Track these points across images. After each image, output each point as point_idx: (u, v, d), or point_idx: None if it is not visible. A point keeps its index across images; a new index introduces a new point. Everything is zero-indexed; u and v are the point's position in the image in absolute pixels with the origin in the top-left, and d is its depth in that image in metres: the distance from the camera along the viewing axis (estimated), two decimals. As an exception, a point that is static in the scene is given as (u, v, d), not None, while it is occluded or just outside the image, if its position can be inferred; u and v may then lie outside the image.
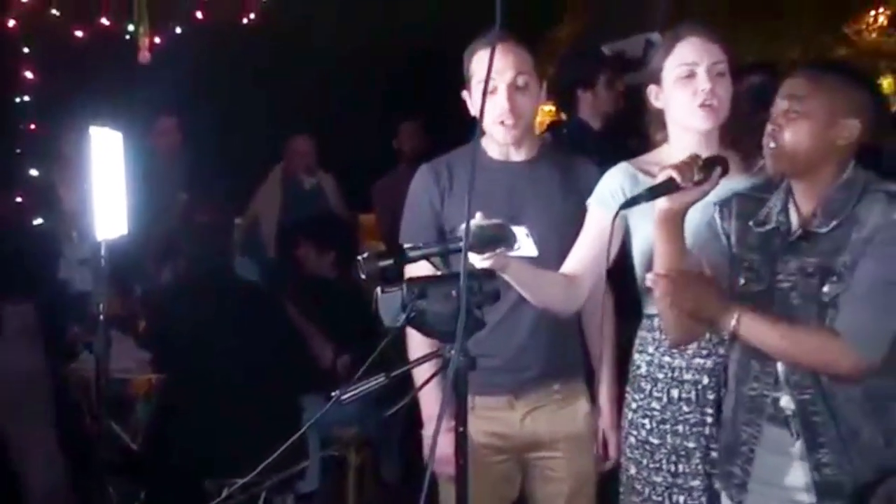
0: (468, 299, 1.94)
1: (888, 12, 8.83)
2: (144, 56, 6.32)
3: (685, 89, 2.48)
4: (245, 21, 7.06)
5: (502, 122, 2.64)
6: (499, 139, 2.69)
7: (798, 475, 2.22)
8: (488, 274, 2.09)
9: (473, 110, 2.71)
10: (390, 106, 7.09)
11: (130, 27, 6.41)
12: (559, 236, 2.63)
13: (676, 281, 2.16)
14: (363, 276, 2.07)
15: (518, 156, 2.74)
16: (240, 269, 4.36)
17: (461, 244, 1.94)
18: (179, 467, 3.62)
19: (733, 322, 2.13)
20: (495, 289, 2.01)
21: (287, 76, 7.54)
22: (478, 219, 2.19)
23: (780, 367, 2.21)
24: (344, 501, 4.38)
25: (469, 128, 2.53)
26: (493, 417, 2.72)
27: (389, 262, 2.05)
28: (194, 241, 3.94)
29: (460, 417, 2.02)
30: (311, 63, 7.55)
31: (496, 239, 2.17)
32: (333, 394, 1.98)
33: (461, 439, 2.02)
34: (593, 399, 2.82)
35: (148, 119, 5.97)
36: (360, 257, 2.06)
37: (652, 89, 2.56)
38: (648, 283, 2.19)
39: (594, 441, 2.80)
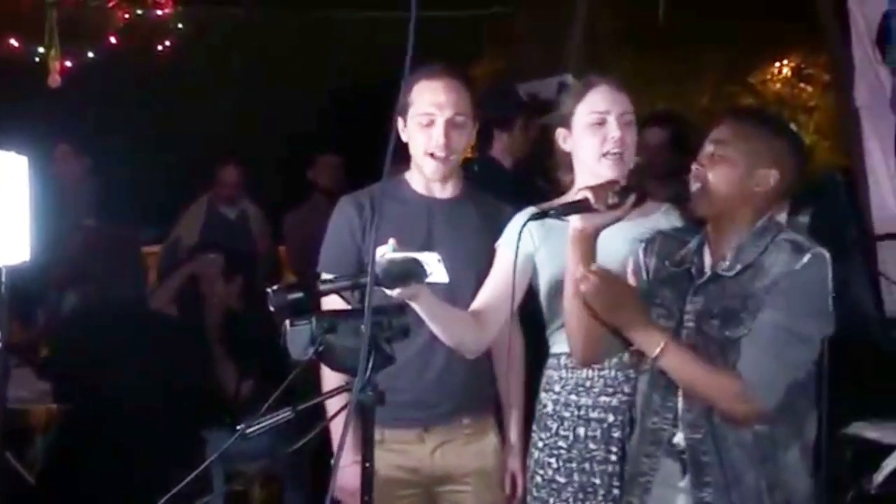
0: (377, 335, 1.94)
1: (791, 64, 9.14)
2: (55, 80, 6.20)
3: (595, 136, 2.53)
4: (160, 48, 6.97)
5: (433, 155, 2.65)
6: (427, 172, 2.70)
7: None
8: (398, 309, 2.08)
9: (405, 137, 2.69)
10: (305, 138, 7.06)
11: (41, 50, 6.28)
12: (475, 274, 2.65)
13: (605, 280, 2.18)
14: (272, 309, 2.05)
15: (442, 192, 2.75)
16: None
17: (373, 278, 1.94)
18: (79, 499, 3.52)
19: (658, 348, 2.15)
20: (405, 324, 2.01)
21: (202, 103, 7.47)
22: (390, 251, 2.20)
23: (679, 404, 2.24)
24: (247, 538, 4.31)
25: (392, 161, 2.55)
26: (403, 451, 2.72)
27: (298, 295, 2.04)
28: (98, 266, 3.85)
29: (367, 452, 2.00)
30: (227, 92, 7.49)
31: (406, 274, 2.17)
32: (239, 427, 1.94)
33: (367, 474, 1.99)
34: (502, 435, 2.83)
35: (55, 143, 5.86)
36: (269, 290, 2.05)
37: (561, 132, 2.60)
38: (577, 276, 2.19)
39: (501, 474, 2.80)
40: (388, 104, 2.49)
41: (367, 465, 2.01)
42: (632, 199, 2.24)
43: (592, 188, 2.21)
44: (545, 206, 2.57)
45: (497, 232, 2.68)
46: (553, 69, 5.99)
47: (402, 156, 2.72)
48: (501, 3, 7.54)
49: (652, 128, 3.66)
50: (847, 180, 3.82)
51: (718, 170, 2.21)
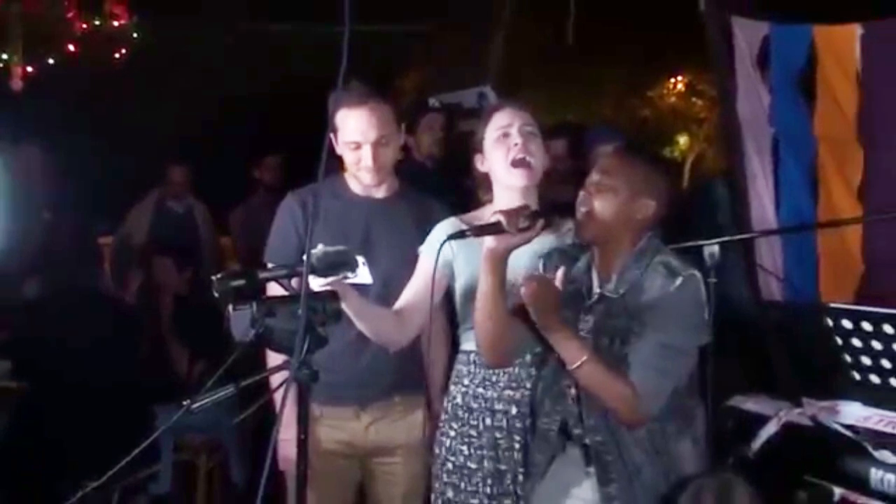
0: (312, 318, 1.93)
1: (685, 81, 9.30)
2: (17, 84, 6.05)
3: (501, 148, 2.53)
4: (116, 56, 6.83)
5: (366, 172, 2.65)
6: (363, 182, 2.69)
7: (587, 491, 2.26)
8: (332, 296, 2.07)
9: (339, 150, 2.67)
10: (254, 139, 6.99)
11: (4, 55, 6.12)
12: (409, 270, 2.63)
13: (545, 286, 2.16)
14: (216, 295, 2.02)
15: (378, 193, 2.74)
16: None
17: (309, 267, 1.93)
18: (35, 472, 3.44)
19: (581, 360, 2.13)
20: (337, 309, 2.01)
21: (155, 107, 7.34)
22: (321, 247, 2.18)
23: (579, 408, 2.24)
24: (194, 503, 4.25)
25: (330, 162, 2.53)
26: (340, 426, 2.71)
27: (241, 282, 2.01)
28: (57, 256, 3.78)
29: (302, 426, 1.98)
30: (178, 96, 7.37)
31: (339, 263, 2.16)
32: (185, 402, 1.91)
33: (302, 446, 1.97)
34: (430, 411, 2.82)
35: (19, 143, 5.70)
36: (214, 277, 2.02)
37: (478, 157, 2.60)
38: (521, 280, 2.17)
39: (429, 446, 2.80)
40: (323, 110, 2.48)
41: (303, 437, 1.97)
42: (541, 223, 2.24)
43: (505, 212, 2.20)
44: (465, 218, 2.59)
45: (429, 228, 2.66)
46: (475, 80, 6.00)
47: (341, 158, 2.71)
48: (429, 20, 7.53)
49: (554, 140, 3.67)
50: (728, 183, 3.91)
51: (603, 198, 2.21)
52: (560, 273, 2.25)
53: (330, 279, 2.18)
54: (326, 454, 2.67)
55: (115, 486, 3.39)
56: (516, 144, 2.51)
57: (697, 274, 2.17)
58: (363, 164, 2.63)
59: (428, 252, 2.58)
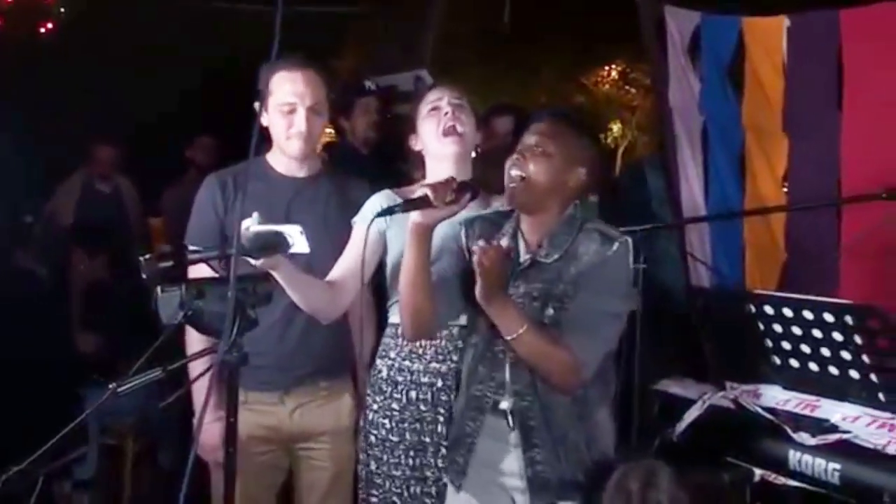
0: (242, 300, 1.90)
1: (618, 69, 9.40)
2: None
3: (432, 121, 2.56)
4: (42, 30, 6.64)
5: (296, 139, 2.62)
6: (290, 151, 2.66)
7: (513, 461, 2.27)
8: (262, 277, 2.05)
9: (265, 122, 2.63)
10: (186, 119, 6.88)
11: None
12: (333, 248, 2.61)
13: (501, 259, 2.14)
14: (144, 276, 1.98)
15: (301, 172, 2.71)
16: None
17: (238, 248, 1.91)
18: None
19: (520, 331, 2.14)
20: (267, 291, 1.98)
21: (86, 84, 7.16)
22: (255, 224, 2.15)
23: (506, 375, 2.25)
24: (120, 488, 4.18)
25: (260, 143, 2.50)
26: (264, 411, 2.68)
27: (169, 263, 1.98)
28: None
29: (231, 409, 1.96)
30: (107, 74, 7.21)
31: (270, 245, 2.14)
32: (111, 385, 1.88)
33: (231, 430, 1.95)
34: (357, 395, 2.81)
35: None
36: (141, 258, 1.98)
37: (412, 137, 2.62)
38: (477, 248, 2.16)
39: (355, 431, 2.79)
40: (256, 90, 2.46)
41: (232, 420, 1.96)
42: (468, 196, 2.23)
43: (432, 185, 2.19)
44: (400, 191, 2.57)
45: (352, 207, 2.66)
46: (410, 65, 5.97)
47: (267, 139, 2.68)
48: (363, 2, 7.47)
49: (500, 117, 3.68)
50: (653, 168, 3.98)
51: (538, 163, 2.22)
52: (505, 242, 2.24)
53: (260, 260, 2.16)
54: (251, 440, 2.63)
55: (39, 470, 3.30)
56: (446, 114, 2.54)
57: (630, 241, 2.20)
58: (295, 128, 2.61)
59: (361, 221, 2.58)
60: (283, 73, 2.60)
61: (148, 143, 6.77)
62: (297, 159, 2.68)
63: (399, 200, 2.48)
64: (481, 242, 2.15)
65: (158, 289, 1.93)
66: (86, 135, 6.01)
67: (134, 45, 7.36)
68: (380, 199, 2.59)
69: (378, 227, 2.47)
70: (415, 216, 2.20)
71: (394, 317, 2.60)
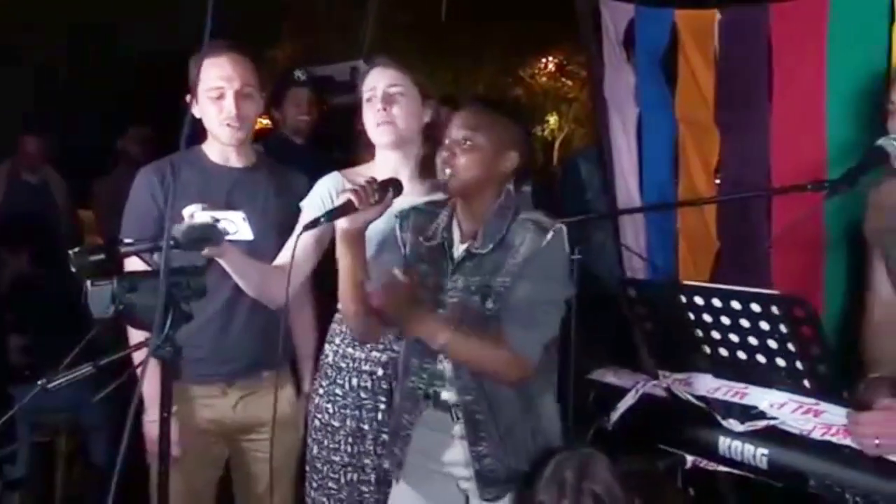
0: (176, 294, 1.88)
1: (556, 61, 9.46)
2: None
3: (368, 109, 2.57)
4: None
5: (229, 125, 2.60)
6: (224, 140, 2.64)
7: (456, 452, 2.29)
8: (196, 271, 2.03)
9: (198, 113, 2.63)
10: (118, 109, 6.75)
11: None
12: (273, 237, 2.62)
13: (390, 292, 2.14)
14: (74, 269, 1.95)
15: (237, 162, 2.70)
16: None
17: (170, 241, 1.89)
18: None
19: (443, 340, 2.16)
20: (202, 285, 1.96)
21: (12, 76, 6.99)
22: (199, 211, 2.15)
23: (446, 366, 2.27)
24: (52, 486, 4.11)
25: (194, 133, 2.48)
26: (208, 404, 2.67)
27: (100, 256, 1.95)
28: None
29: (165, 404, 1.94)
30: (39, 65, 7.04)
31: (204, 237, 2.12)
32: (40, 382, 1.85)
33: (164, 426, 1.93)
34: (298, 385, 2.83)
35: None
36: (70, 252, 1.95)
37: (359, 117, 2.61)
38: (368, 290, 2.16)
39: (298, 421, 2.79)
40: (187, 79, 2.43)
41: (165, 415, 1.94)
42: (391, 193, 2.23)
43: (354, 190, 2.16)
44: (348, 172, 2.58)
45: (290, 196, 2.66)
46: (348, 55, 5.95)
47: (202, 131, 2.66)
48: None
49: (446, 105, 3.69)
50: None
51: (469, 156, 2.22)
52: (397, 271, 2.22)
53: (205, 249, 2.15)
54: (196, 433, 2.63)
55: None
56: (378, 110, 2.54)
57: (564, 228, 2.22)
58: (225, 113, 2.59)
59: (308, 205, 2.59)
60: (210, 60, 2.58)
61: (77, 133, 6.65)
62: (232, 147, 2.66)
63: (346, 183, 2.50)
64: (370, 285, 2.14)
65: (88, 282, 1.89)
66: (12, 125, 5.89)
67: (64, 31, 7.21)
68: (328, 182, 2.60)
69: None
70: (342, 223, 2.19)
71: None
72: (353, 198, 2.15)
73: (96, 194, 5.99)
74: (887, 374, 2.36)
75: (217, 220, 2.25)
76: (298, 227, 2.56)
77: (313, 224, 2.19)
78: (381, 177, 2.26)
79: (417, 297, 2.21)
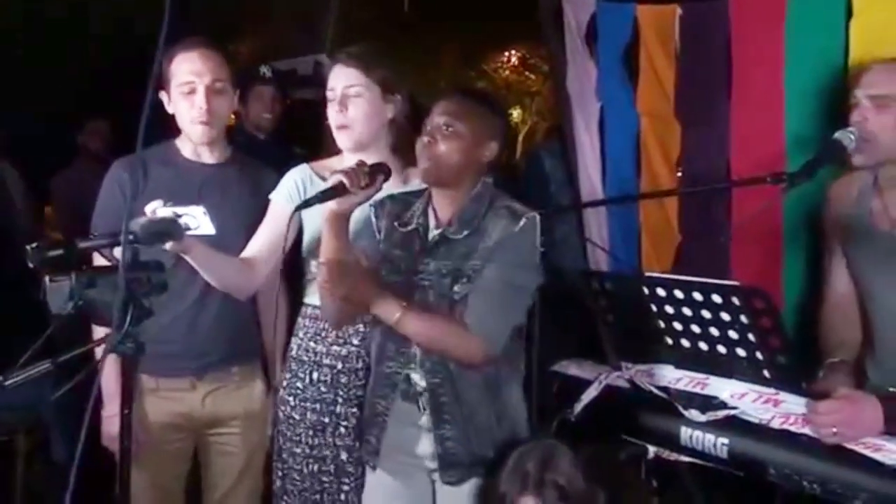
0: (136, 290, 1.87)
1: (518, 55, 9.49)
2: None
3: (330, 111, 2.58)
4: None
5: (200, 121, 2.59)
6: (195, 137, 2.63)
7: (425, 444, 2.32)
8: (157, 266, 2.01)
9: (171, 109, 2.64)
10: (77, 103, 6.65)
11: None
12: (245, 233, 2.62)
13: (335, 269, 2.18)
14: (32, 265, 1.92)
15: (210, 158, 2.69)
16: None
17: (129, 236, 1.88)
18: None
19: (397, 315, 2.18)
20: (162, 280, 1.95)
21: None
22: (153, 211, 2.15)
23: (416, 350, 2.29)
24: (12, 486, 4.05)
25: (160, 129, 2.46)
26: (175, 398, 2.67)
27: (58, 252, 1.93)
28: None
29: (126, 401, 1.92)
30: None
31: (163, 232, 2.11)
32: (-3, 380, 1.82)
33: (126, 422, 1.92)
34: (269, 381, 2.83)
35: None
36: (28, 247, 1.92)
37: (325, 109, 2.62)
38: (314, 269, 2.21)
39: (267, 416, 2.79)
40: (149, 73, 2.40)
41: (126, 412, 1.92)
42: (381, 177, 2.25)
43: (346, 172, 2.18)
44: (316, 165, 2.61)
45: (262, 193, 2.66)
46: (311, 49, 5.92)
47: (171, 125, 2.65)
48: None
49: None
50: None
51: (450, 142, 2.25)
52: (363, 245, 2.29)
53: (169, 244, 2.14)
54: (161, 427, 2.63)
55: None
56: (336, 112, 2.55)
57: (537, 217, 2.25)
58: (197, 107, 2.58)
59: (278, 196, 2.59)
60: (181, 55, 2.58)
61: (35, 126, 6.55)
62: (204, 143, 2.64)
63: (314, 175, 2.55)
64: (314, 263, 2.16)
65: (47, 278, 1.87)
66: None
67: (22, 24, 7.09)
68: (296, 174, 2.61)
69: (296, 204, 2.45)
70: (332, 205, 2.21)
71: (307, 297, 2.62)
72: (344, 180, 2.16)
73: (55, 189, 5.91)
74: (845, 360, 2.41)
75: (179, 216, 2.24)
76: (268, 218, 2.57)
77: (306, 204, 2.21)
78: None
79: (371, 275, 2.24)
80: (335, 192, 2.19)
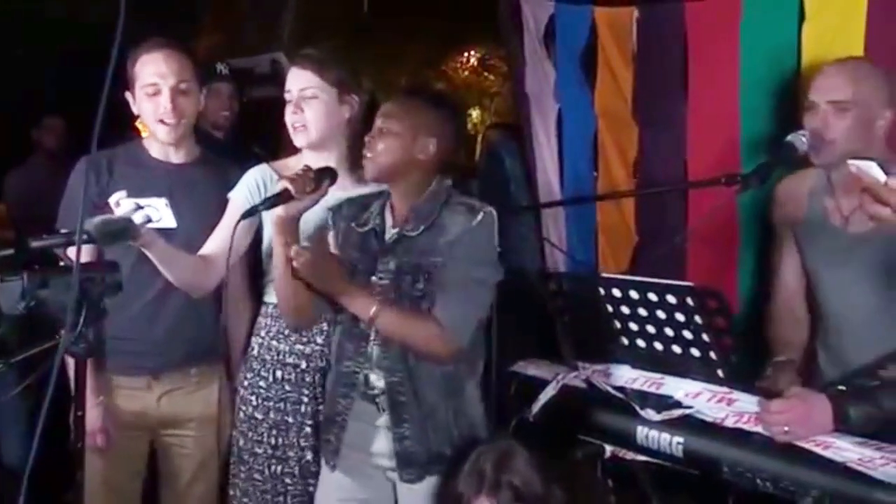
0: (90, 289, 1.85)
1: (478, 55, 9.49)
2: None
3: (287, 112, 2.59)
4: None
5: (164, 122, 2.58)
6: (161, 138, 2.62)
7: (382, 443, 2.32)
8: (111, 266, 1.99)
9: (136, 110, 2.63)
10: (31, 100, 6.53)
11: None
12: (209, 232, 2.60)
13: (316, 255, 2.20)
14: (-16, 265, 1.89)
15: (177, 157, 2.68)
16: None
17: (83, 236, 1.86)
18: None
19: (372, 312, 2.19)
20: (117, 280, 1.93)
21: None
22: (117, 202, 2.16)
23: (374, 350, 2.30)
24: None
25: (118, 127, 2.44)
26: (130, 396, 2.64)
27: (9, 251, 1.90)
28: None
29: (79, 403, 1.89)
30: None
31: (119, 233, 2.09)
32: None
33: (79, 424, 1.89)
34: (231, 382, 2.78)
35: None
36: (-23, 248, 1.89)
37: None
38: (292, 254, 2.19)
39: (226, 419, 2.75)
40: (105, 70, 2.37)
41: (80, 413, 1.89)
42: (327, 182, 2.28)
43: (291, 178, 2.22)
44: (276, 164, 2.62)
45: (229, 192, 2.64)
46: (268, 47, 5.88)
47: (131, 124, 2.63)
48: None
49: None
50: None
51: (384, 142, 2.28)
52: (330, 236, 2.33)
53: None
54: (118, 425, 2.60)
55: None
56: (292, 113, 2.56)
57: (494, 212, 2.28)
58: (162, 108, 2.57)
59: (236, 195, 2.59)
60: (146, 56, 2.57)
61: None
62: (171, 143, 2.63)
63: (273, 175, 2.56)
64: (295, 247, 2.20)
65: (-3, 278, 1.84)
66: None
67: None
68: (256, 173, 2.61)
69: (254, 203, 2.44)
70: (278, 210, 2.23)
71: (267, 296, 2.62)
72: (289, 186, 2.20)
73: (8, 187, 5.80)
74: (792, 358, 2.45)
75: (140, 207, 2.23)
76: (227, 217, 2.55)
77: (251, 212, 2.25)
78: None
79: (345, 271, 2.26)
80: (280, 198, 2.22)
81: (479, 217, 2.25)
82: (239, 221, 2.28)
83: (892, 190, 1.68)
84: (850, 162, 1.79)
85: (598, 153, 3.56)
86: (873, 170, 1.71)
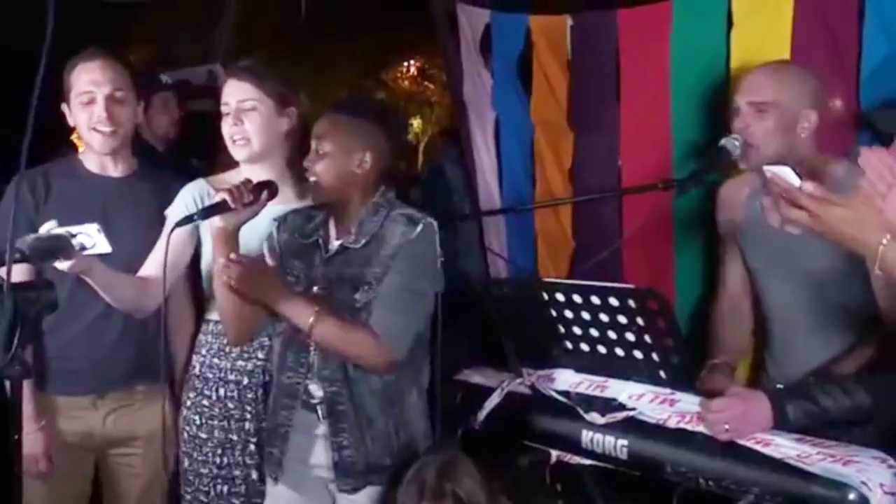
0: (26, 309, 1.80)
1: (417, 65, 9.52)
2: None
3: (224, 125, 2.55)
4: None
5: (97, 130, 2.54)
6: (96, 147, 2.57)
7: (321, 454, 2.31)
8: (47, 285, 1.94)
9: (72, 121, 2.59)
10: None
11: None
12: (151, 244, 2.56)
13: (248, 266, 2.20)
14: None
15: (115, 171, 2.64)
16: None
17: (16, 255, 1.81)
18: None
19: (311, 320, 2.18)
20: (53, 299, 1.88)
21: None
22: (55, 227, 2.12)
23: (315, 359, 2.29)
24: None
25: (49, 143, 2.39)
26: (75, 417, 2.59)
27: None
28: None
29: (16, 425, 1.84)
30: None
31: (53, 250, 2.04)
32: None
33: (17, 448, 1.84)
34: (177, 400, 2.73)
35: None
36: None
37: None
38: (221, 266, 2.18)
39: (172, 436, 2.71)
40: (33, 83, 2.31)
41: (17, 437, 1.84)
42: (266, 195, 2.27)
43: (229, 189, 2.21)
44: (213, 180, 2.59)
45: (169, 205, 2.60)
46: (204, 58, 5.80)
47: (61, 139, 2.58)
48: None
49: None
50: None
51: (322, 164, 2.27)
52: (265, 247, 2.33)
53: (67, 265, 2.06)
54: (63, 447, 2.56)
55: None
56: (231, 125, 2.53)
57: (434, 223, 2.28)
58: (96, 117, 2.53)
59: (173, 213, 2.55)
60: (81, 66, 2.54)
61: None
62: (107, 155, 2.59)
63: (211, 190, 2.51)
64: (221, 259, 2.20)
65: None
66: None
67: None
68: (192, 189, 2.57)
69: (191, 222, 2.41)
70: (216, 222, 2.22)
71: (209, 313, 2.59)
72: (227, 197, 2.19)
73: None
74: (727, 361, 2.49)
75: (73, 235, 2.18)
76: (164, 235, 2.51)
77: (187, 220, 2.22)
78: None
79: (284, 281, 2.26)
80: (217, 208, 2.21)
81: (419, 228, 2.25)
82: (173, 230, 2.24)
83: (806, 194, 1.72)
84: (766, 168, 1.83)
85: (535, 160, 3.58)
86: (787, 174, 1.75)
